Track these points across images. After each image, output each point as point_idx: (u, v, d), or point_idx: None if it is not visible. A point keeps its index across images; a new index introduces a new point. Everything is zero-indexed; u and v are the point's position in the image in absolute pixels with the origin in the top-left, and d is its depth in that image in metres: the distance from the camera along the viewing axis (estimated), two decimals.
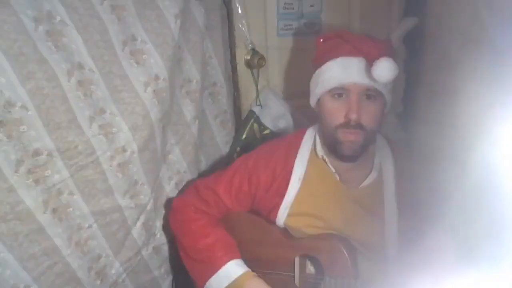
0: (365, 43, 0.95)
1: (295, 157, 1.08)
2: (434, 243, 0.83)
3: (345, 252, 0.95)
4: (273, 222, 1.08)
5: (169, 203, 1.22)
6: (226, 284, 1.00)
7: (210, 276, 1.02)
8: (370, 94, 0.95)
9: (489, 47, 0.79)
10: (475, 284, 0.59)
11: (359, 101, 0.94)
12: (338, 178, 1.04)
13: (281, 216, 1.05)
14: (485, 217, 0.65)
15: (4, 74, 0.77)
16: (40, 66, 0.82)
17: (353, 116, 0.93)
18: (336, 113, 0.97)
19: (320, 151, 1.05)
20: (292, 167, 1.07)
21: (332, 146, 1.01)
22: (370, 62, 0.92)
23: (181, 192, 1.26)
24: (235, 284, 1.00)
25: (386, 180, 1.03)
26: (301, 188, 1.05)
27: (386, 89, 0.96)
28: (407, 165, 1.05)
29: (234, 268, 1.01)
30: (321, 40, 1.03)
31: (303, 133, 1.12)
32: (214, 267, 1.02)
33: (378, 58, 0.90)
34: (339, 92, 0.96)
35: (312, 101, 1.05)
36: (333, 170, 1.03)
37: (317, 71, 1.03)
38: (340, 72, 0.96)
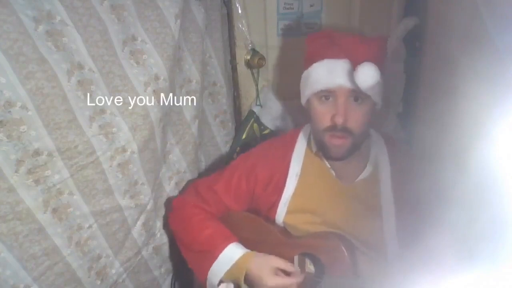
0: (351, 45, 0.95)
1: (292, 154, 1.08)
2: (434, 242, 0.83)
3: (344, 250, 0.95)
4: (272, 221, 1.08)
5: (169, 203, 1.22)
6: (227, 267, 1.00)
7: (211, 264, 1.01)
8: (357, 96, 0.95)
9: (489, 47, 0.79)
10: (475, 284, 0.59)
11: (345, 105, 0.94)
12: (333, 173, 1.04)
13: (280, 213, 1.06)
14: (485, 217, 0.65)
15: (4, 74, 0.77)
16: (40, 66, 0.82)
17: (339, 120, 0.93)
18: (322, 116, 0.97)
19: (315, 147, 1.06)
20: (289, 164, 1.08)
21: (320, 147, 1.01)
22: (355, 65, 0.92)
23: (181, 192, 1.27)
24: (237, 266, 0.99)
25: (382, 174, 1.03)
26: (298, 184, 1.06)
27: (374, 91, 0.94)
28: (403, 159, 1.06)
29: (234, 251, 1.01)
30: (309, 40, 1.03)
31: (299, 130, 1.13)
32: (214, 254, 1.01)
33: (361, 62, 0.90)
34: (325, 95, 0.96)
35: (303, 101, 1.06)
36: (329, 166, 1.04)
37: (305, 73, 1.03)
38: (325, 75, 0.95)
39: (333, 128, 0.95)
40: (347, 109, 0.94)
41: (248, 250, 1.02)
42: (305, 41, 1.04)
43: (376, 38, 0.99)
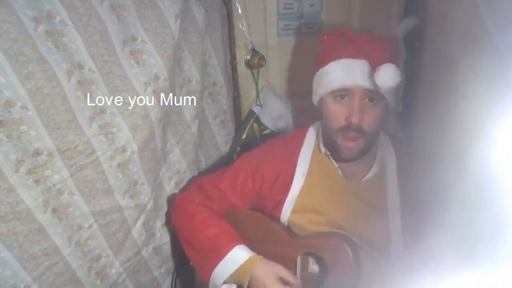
0: (369, 46, 0.95)
1: (299, 153, 1.08)
2: (434, 242, 0.83)
3: (349, 250, 0.95)
4: (276, 220, 1.08)
5: (169, 203, 1.22)
6: (233, 270, 0.98)
7: (216, 264, 1.00)
8: (373, 96, 0.95)
9: (489, 47, 0.79)
10: (475, 284, 0.59)
11: (361, 105, 0.94)
12: (341, 173, 1.04)
13: (286, 212, 1.06)
14: (485, 217, 0.65)
15: (4, 74, 0.77)
16: (40, 66, 0.82)
17: (355, 120, 0.93)
18: (337, 115, 0.97)
19: (323, 147, 1.06)
20: (296, 163, 1.07)
21: (332, 148, 1.01)
22: (373, 66, 0.92)
23: (183, 190, 1.26)
24: (242, 269, 0.98)
25: (389, 174, 1.03)
26: (305, 183, 1.06)
27: (389, 92, 0.95)
28: (408, 160, 1.06)
29: (240, 253, 1.00)
30: (324, 38, 1.02)
31: (306, 129, 1.13)
32: (219, 255, 1.00)
33: (381, 63, 0.90)
34: (341, 94, 0.96)
35: (315, 100, 1.05)
36: (336, 165, 1.04)
37: (319, 71, 1.02)
38: (342, 74, 0.95)
39: (347, 128, 0.95)
40: (362, 109, 0.94)
41: (254, 254, 1.00)
42: (318, 41, 1.03)
43: (390, 38, 0.99)
